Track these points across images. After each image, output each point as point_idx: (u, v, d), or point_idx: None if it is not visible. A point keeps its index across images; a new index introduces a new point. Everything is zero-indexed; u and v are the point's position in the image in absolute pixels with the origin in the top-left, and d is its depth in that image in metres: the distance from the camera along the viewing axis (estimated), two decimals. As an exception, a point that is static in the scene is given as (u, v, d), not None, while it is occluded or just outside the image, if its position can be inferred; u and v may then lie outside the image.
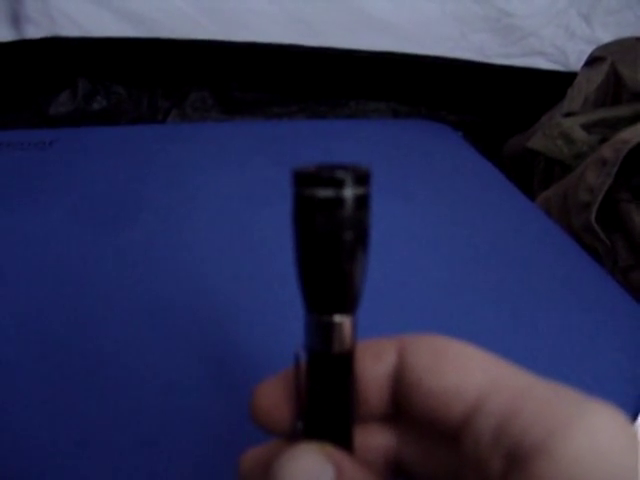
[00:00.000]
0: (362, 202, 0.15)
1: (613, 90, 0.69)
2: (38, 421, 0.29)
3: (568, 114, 0.70)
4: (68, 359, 0.32)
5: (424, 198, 0.52)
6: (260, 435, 0.18)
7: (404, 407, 0.17)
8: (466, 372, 0.15)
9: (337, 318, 0.16)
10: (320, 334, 0.16)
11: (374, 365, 0.17)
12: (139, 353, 0.33)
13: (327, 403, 0.17)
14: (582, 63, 0.76)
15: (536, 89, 0.86)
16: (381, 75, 0.85)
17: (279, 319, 0.35)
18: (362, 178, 0.15)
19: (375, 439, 0.18)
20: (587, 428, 0.13)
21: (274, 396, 0.17)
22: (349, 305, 0.16)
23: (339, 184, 0.14)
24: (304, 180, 0.15)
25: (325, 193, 0.15)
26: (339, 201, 0.15)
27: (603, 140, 0.61)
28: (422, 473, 0.17)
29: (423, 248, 0.44)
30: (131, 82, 0.83)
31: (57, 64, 0.79)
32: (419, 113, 0.89)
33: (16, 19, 0.73)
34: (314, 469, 0.15)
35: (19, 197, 0.47)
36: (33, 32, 0.74)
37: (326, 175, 0.15)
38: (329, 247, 0.15)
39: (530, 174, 0.73)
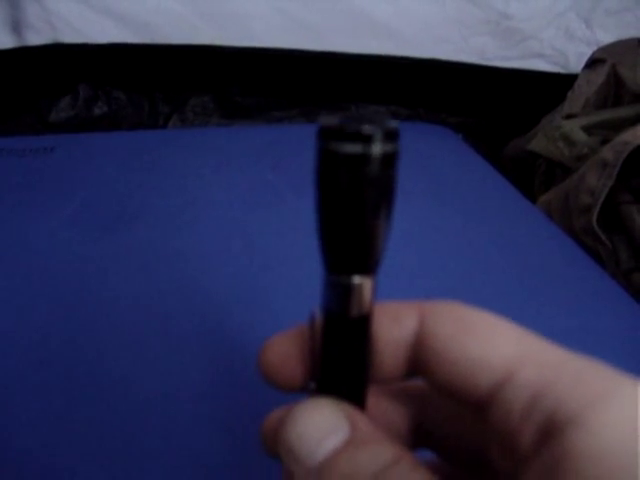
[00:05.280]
0: (390, 160, 0.14)
1: (614, 92, 0.68)
2: (38, 430, 0.29)
3: (569, 116, 0.70)
4: (68, 364, 0.32)
5: (424, 201, 0.52)
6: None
7: (424, 375, 0.16)
8: (493, 343, 0.15)
9: (356, 279, 0.15)
10: (338, 295, 0.15)
11: (392, 328, 0.16)
12: (140, 359, 0.33)
13: (341, 366, 0.16)
14: (582, 65, 0.76)
15: (536, 91, 0.86)
16: (381, 78, 0.86)
17: (281, 323, 0.35)
18: (391, 134, 0.14)
19: (391, 405, 0.17)
20: (623, 401, 0.12)
21: (284, 352, 0.17)
22: (369, 266, 0.15)
23: (367, 139, 0.13)
24: (329, 133, 0.14)
25: (351, 149, 0.13)
26: (366, 158, 0.13)
27: (604, 142, 0.60)
28: (441, 441, 0.17)
29: (423, 251, 0.44)
30: (132, 87, 0.83)
31: (58, 70, 0.79)
32: (419, 116, 0.89)
33: (17, 26, 0.73)
34: (329, 423, 0.15)
35: (19, 203, 0.47)
36: (34, 39, 0.74)
37: (353, 129, 0.13)
38: (352, 205, 0.14)
39: (531, 176, 0.73)
